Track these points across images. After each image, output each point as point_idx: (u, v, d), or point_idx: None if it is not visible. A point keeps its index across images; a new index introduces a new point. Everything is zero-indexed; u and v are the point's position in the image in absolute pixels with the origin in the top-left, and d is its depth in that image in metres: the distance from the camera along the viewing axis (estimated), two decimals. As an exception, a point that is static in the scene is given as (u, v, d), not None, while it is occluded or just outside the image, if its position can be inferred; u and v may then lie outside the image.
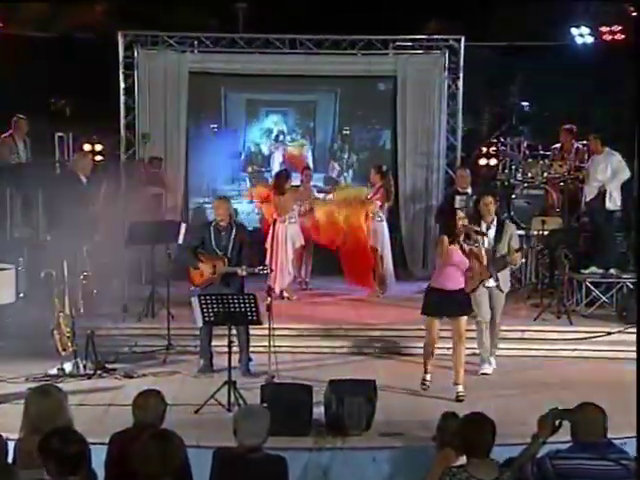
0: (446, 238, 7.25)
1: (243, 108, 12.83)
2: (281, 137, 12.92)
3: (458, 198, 9.76)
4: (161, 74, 11.98)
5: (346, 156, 12.90)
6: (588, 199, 10.43)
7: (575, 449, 4.23)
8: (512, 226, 8.26)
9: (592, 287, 9.83)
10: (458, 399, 7.27)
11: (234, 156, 12.95)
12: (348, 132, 12.86)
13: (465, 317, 7.42)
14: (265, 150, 12.98)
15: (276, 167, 12.61)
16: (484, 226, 7.98)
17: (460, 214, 7.38)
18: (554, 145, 11.62)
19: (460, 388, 7.38)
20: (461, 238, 7.27)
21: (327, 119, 12.87)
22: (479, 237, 7.40)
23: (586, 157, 11.28)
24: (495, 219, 8.05)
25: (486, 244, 7.90)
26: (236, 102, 12.80)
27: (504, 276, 8.09)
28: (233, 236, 7.93)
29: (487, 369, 8.16)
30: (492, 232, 7.98)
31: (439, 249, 7.34)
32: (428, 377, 7.62)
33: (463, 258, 7.30)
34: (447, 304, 7.31)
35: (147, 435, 3.86)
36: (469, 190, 9.82)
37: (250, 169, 12.93)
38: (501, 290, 8.08)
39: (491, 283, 7.99)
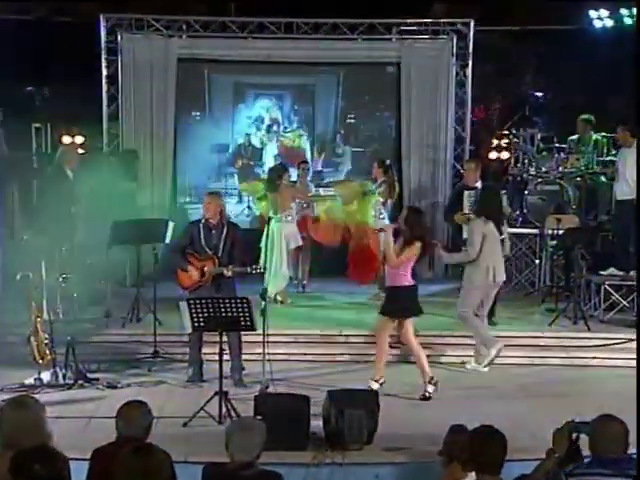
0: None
1: (230, 93, 12.60)
2: (275, 127, 12.72)
3: (467, 194, 9.72)
4: (146, 61, 11.95)
5: (348, 148, 12.77)
6: (619, 198, 10.30)
7: (594, 465, 4.22)
8: (473, 221, 8.59)
9: (611, 290, 9.81)
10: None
11: (221, 149, 12.70)
12: (353, 120, 12.76)
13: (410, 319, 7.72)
14: (256, 142, 12.78)
15: (269, 161, 12.53)
16: None
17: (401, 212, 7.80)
18: (570, 137, 11.61)
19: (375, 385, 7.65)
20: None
21: (328, 105, 12.70)
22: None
23: (605, 150, 11.26)
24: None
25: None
26: (222, 86, 12.55)
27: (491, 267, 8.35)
28: (224, 235, 7.93)
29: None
30: None
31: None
32: (375, 386, 7.68)
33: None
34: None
35: (130, 449, 3.84)
36: (479, 185, 9.79)
37: (239, 163, 12.70)
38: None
39: None
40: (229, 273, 7.81)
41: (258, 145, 12.82)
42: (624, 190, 10.12)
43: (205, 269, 7.91)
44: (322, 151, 12.74)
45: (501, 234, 8.55)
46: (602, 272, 10.16)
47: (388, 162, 10.79)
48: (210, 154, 12.67)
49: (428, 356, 8.71)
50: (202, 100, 12.51)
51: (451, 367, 8.64)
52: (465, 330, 8.72)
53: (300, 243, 10.54)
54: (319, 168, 12.75)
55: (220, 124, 12.69)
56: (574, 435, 4.26)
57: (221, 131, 12.71)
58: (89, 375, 7.89)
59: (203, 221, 8.00)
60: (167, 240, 9.38)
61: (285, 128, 12.77)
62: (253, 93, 12.69)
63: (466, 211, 9.54)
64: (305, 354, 8.78)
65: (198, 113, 12.56)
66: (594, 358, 8.82)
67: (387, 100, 12.64)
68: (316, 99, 12.73)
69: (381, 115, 12.78)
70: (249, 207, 12.54)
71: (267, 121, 12.72)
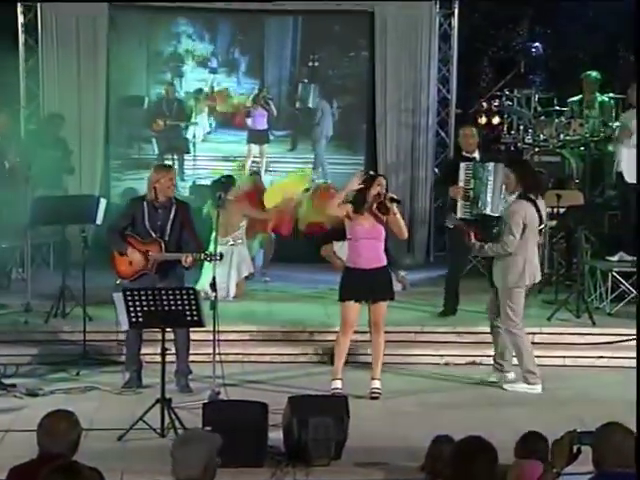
0: (349, 207, 7.69)
1: (143, 24, 11.84)
2: (208, 78, 11.83)
3: (463, 165, 9.63)
4: (72, 6, 11.80)
5: (315, 105, 12.52)
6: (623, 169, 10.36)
7: (598, 481, 4.28)
8: (515, 202, 8.37)
9: (620, 278, 9.93)
10: (372, 396, 7.73)
11: (132, 103, 11.91)
12: (316, 64, 12.35)
13: (384, 302, 7.78)
14: (182, 95, 12.10)
15: (203, 122, 12.08)
16: None
17: (381, 181, 7.80)
18: (572, 98, 11.68)
19: (376, 384, 7.75)
20: (374, 207, 7.68)
21: (283, 42, 12.16)
22: (394, 205, 7.74)
23: (613, 113, 11.34)
24: None
25: None
26: (128, 17, 11.75)
27: None
28: (172, 215, 7.88)
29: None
30: None
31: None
32: (339, 384, 7.75)
33: (376, 229, 7.69)
34: (364, 286, 7.71)
35: (53, 468, 3.82)
36: (477, 155, 9.75)
37: (160, 124, 11.94)
38: None
39: None
40: (189, 260, 7.72)
41: (185, 100, 12.06)
42: (630, 157, 10.07)
43: (150, 254, 7.84)
44: (266, 103, 12.09)
45: (541, 223, 8.23)
46: (609, 257, 10.28)
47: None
48: (117, 110, 11.89)
49: (406, 355, 8.82)
50: (103, 36, 11.74)
51: (433, 368, 8.69)
52: (445, 327, 8.77)
53: (252, 270, 10.39)
54: (263, 127, 12.21)
55: (129, 68, 11.93)
56: (576, 447, 4.31)
57: (132, 78, 11.96)
58: (4, 381, 7.83)
59: (148, 198, 7.93)
60: (99, 221, 9.32)
61: (218, 80, 12.08)
62: (169, 18, 11.71)
63: (462, 185, 9.46)
64: (263, 354, 8.79)
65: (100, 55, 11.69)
66: (600, 357, 8.92)
67: (353, 58, 12.50)
68: (266, 32, 12.22)
69: (356, 56, 12.47)
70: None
71: (190, 62, 11.94)
